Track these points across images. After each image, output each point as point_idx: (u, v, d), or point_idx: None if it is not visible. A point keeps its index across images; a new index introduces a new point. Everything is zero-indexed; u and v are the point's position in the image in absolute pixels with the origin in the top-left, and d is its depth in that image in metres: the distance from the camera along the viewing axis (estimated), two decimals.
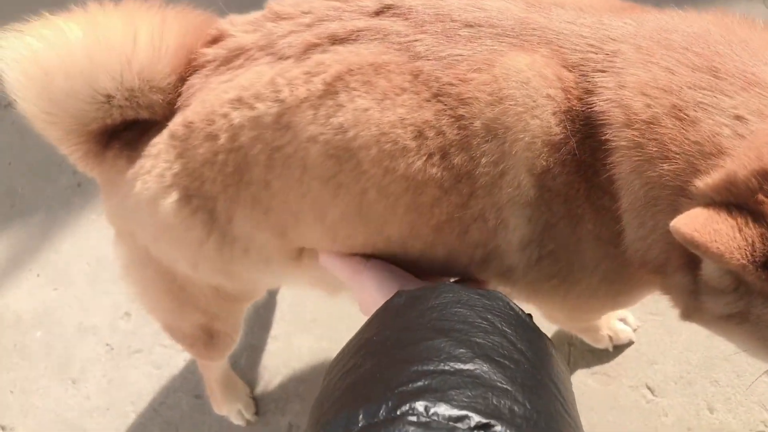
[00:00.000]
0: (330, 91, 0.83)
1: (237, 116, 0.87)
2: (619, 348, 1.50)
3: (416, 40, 0.82)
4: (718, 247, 0.64)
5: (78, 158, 0.99)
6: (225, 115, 0.87)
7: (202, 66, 0.93)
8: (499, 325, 0.64)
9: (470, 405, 0.52)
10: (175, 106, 0.93)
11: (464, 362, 0.57)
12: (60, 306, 1.82)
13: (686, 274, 0.77)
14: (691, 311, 0.80)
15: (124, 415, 1.66)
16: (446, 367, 0.57)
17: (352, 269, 0.92)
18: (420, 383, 0.54)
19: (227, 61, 0.91)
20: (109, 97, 0.90)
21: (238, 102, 0.87)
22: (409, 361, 0.58)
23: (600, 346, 1.49)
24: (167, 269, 1.05)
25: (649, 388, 1.46)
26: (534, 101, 0.78)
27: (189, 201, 0.92)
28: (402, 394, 0.53)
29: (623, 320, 1.49)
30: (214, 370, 1.51)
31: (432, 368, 0.56)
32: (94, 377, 1.71)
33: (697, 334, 1.47)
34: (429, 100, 0.81)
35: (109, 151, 0.97)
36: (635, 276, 0.87)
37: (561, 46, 0.79)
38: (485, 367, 0.57)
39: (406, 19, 0.84)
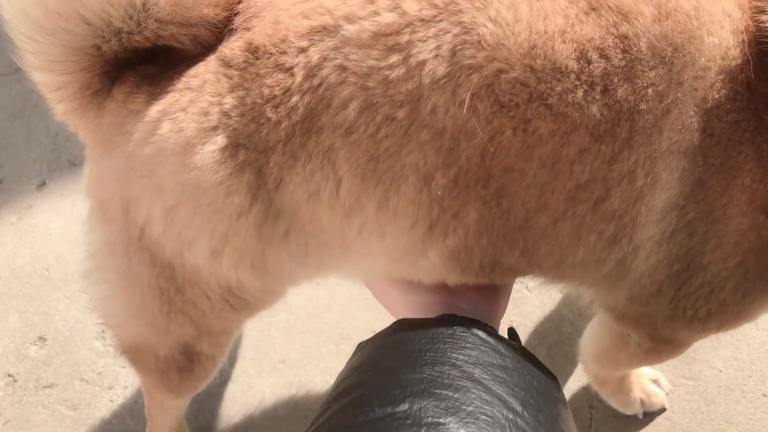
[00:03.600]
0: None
1: (320, 47, 0.67)
2: (649, 415, 1.28)
3: None
4: None
5: (68, 95, 0.74)
6: (304, 49, 0.67)
7: None
8: None
9: None
10: (230, 27, 0.71)
11: None
12: None
13: None
14: None
15: None
16: None
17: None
18: None
19: None
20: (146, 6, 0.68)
21: (324, 31, 0.67)
22: None
23: (629, 411, 1.27)
24: (165, 262, 0.79)
25: None
26: (710, 15, 0.66)
27: (236, 151, 0.70)
28: None
29: (656, 382, 1.28)
30: (172, 413, 1.16)
31: None
32: None
33: (737, 403, 1.28)
34: (587, 13, 0.66)
35: (120, 86, 0.73)
36: None
37: None
38: None
39: None
